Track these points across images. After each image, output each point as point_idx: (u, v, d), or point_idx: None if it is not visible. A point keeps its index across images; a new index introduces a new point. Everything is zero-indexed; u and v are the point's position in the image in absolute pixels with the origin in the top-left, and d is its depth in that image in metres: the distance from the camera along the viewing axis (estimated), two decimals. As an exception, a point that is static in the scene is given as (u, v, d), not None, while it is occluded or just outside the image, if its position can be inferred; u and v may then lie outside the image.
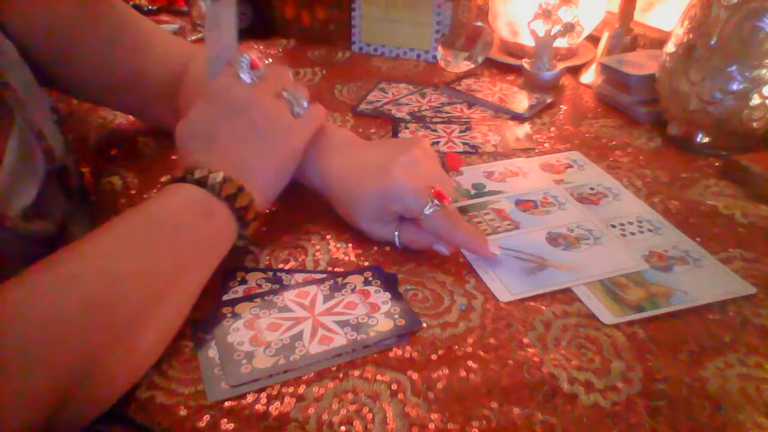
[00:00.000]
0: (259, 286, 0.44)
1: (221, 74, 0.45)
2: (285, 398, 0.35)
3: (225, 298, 0.42)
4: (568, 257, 0.47)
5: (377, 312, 0.41)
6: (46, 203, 0.46)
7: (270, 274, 0.45)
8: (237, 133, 0.43)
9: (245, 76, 0.44)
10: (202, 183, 0.40)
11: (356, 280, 0.44)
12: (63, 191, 0.49)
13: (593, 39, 0.88)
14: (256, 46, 0.95)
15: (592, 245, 0.49)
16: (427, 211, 0.43)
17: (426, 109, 0.73)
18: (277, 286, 0.44)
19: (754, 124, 0.59)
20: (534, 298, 0.43)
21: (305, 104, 0.46)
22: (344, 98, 0.77)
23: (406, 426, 0.33)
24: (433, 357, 0.38)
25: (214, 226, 0.40)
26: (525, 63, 0.80)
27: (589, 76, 0.83)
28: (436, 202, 0.43)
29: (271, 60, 0.55)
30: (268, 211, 0.51)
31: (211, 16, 0.45)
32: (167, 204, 0.40)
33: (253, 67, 0.44)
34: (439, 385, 0.36)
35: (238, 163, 0.42)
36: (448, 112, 0.73)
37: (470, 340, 0.39)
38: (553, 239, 0.49)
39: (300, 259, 0.47)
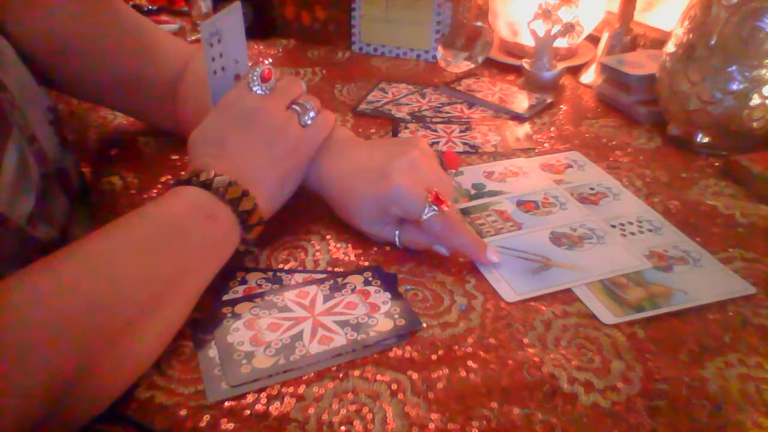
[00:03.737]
0: (259, 286, 0.44)
1: (235, 86, 0.46)
2: (285, 398, 0.35)
3: (225, 298, 0.42)
4: (572, 257, 0.47)
5: (377, 312, 0.41)
6: (49, 207, 0.46)
7: (270, 274, 0.45)
8: (245, 142, 0.44)
9: (257, 89, 0.45)
10: (207, 185, 0.40)
11: (356, 280, 0.44)
12: (64, 193, 0.49)
13: (593, 39, 0.88)
14: (256, 46, 0.95)
15: (596, 244, 0.48)
16: (425, 215, 0.43)
17: (426, 109, 0.73)
18: (277, 286, 0.44)
19: (754, 124, 0.59)
20: (534, 298, 0.43)
21: (313, 114, 0.47)
22: (344, 98, 0.77)
23: (406, 426, 0.33)
24: (433, 357, 0.38)
25: (217, 229, 0.40)
26: (525, 63, 0.80)
27: (589, 76, 0.83)
28: (434, 207, 0.43)
29: (278, 68, 0.54)
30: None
31: (210, 31, 0.43)
32: (170, 206, 0.40)
33: (264, 79, 0.45)
34: (439, 385, 0.36)
35: (245, 170, 0.43)
36: (448, 112, 0.73)
37: (470, 340, 0.39)
38: (557, 239, 0.49)
39: (300, 259, 0.47)
